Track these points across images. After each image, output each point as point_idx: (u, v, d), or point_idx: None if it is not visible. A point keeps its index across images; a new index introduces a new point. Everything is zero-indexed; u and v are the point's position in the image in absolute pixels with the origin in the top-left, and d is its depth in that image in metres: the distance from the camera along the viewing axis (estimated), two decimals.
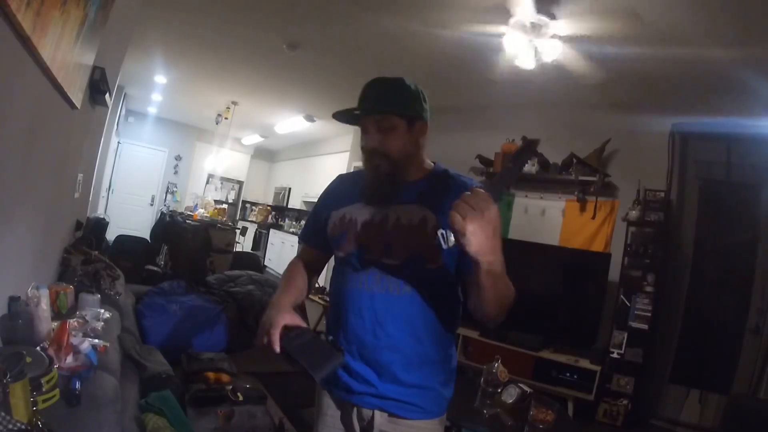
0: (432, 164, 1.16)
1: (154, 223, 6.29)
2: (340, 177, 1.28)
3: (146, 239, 5.16)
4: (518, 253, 4.06)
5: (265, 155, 9.93)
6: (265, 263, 8.04)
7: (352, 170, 4.72)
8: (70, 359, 1.19)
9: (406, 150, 1.06)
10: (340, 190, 1.20)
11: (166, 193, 8.67)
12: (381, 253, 1.06)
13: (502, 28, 2.88)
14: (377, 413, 1.07)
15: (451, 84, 4.23)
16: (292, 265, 1.24)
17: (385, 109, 1.05)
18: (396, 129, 1.05)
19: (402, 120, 1.04)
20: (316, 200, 1.28)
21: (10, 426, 0.80)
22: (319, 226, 1.20)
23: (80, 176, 2.42)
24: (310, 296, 3.72)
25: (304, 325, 1.02)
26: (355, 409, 1.10)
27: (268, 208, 9.50)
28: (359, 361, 1.07)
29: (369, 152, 1.07)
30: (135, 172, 8.24)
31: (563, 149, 3.98)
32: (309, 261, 1.25)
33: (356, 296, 1.07)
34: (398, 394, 1.05)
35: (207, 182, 9.16)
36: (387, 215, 1.07)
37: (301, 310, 3.83)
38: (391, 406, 1.06)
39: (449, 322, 1.11)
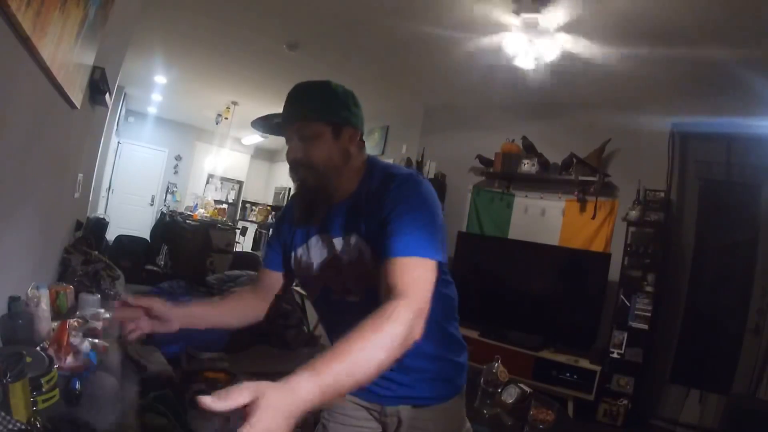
0: (364, 167, 1.02)
1: (154, 223, 6.28)
2: (291, 200, 1.15)
3: (146, 239, 5.15)
4: (518, 253, 4.07)
5: (265, 155, 9.93)
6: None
7: None
8: (70, 359, 1.19)
9: (333, 160, 0.96)
10: (288, 219, 1.11)
11: (166, 193, 8.66)
12: (343, 292, 1.01)
13: (502, 28, 2.88)
14: (402, 408, 1.07)
15: (451, 84, 4.23)
16: (228, 297, 1.17)
17: (306, 115, 0.95)
18: (320, 137, 0.95)
19: (327, 127, 0.95)
20: None
21: (10, 426, 0.80)
22: (275, 250, 1.13)
23: (80, 176, 2.42)
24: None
25: (138, 313, 0.95)
26: (379, 408, 1.10)
27: (268, 208, 9.49)
28: None
29: (292, 163, 0.98)
30: (135, 172, 8.24)
31: (563, 149, 3.98)
32: (263, 281, 1.16)
33: (339, 323, 1.04)
34: (416, 388, 1.05)
35: (207, 182, 9.15)
36: (334, 253, 1.01)
37: (301, 310, 3.82)
38: (413, 399, 1.05)
39: (439, 316, 1.04)
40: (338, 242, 1.00)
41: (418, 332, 0.78)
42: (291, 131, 0.97)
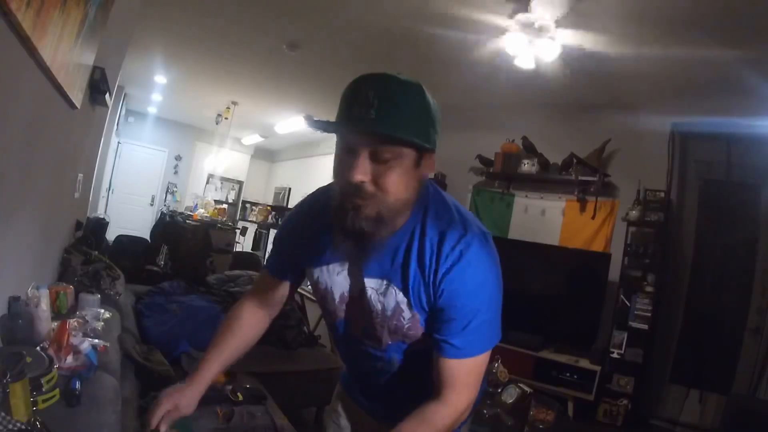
0: (416, 201, 0.81)
1: (154, 223, 6.27)
2: (301, 206, 0.99)
3: (146, 239, 5.14)
4: (518, 253, 4.06)
5: (265, 155, 9.93)
6: (265, 263, 8.03)
7: None
8: (70, 359, 1.19)
9: (408, 192, 0.77)
10: (307, 228, 0.93)
11: (166, 193, 8.66)
12: (362, 335, 0.92)
13: (502, 28, 2.88)
14: None
15: (451, 84, 4.22)
16: (230, 318, 1.03)
17: (395, 134, 0.70)
18: (402, 161, 0.73)
19: (411, 151, 0.74)
20: None
21: (10, 426, 0.80)
22: (285, 259, 1.00)
23: (80, 176, 2.42)
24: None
25: (190, 412, 0.92)
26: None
27: (268, 208, 9.48)
28: (369, 399, 1.06)
29: (354, 188, 0.73)
30: (135, 172, 8.24)
31: (563, 149, 3.98)
32: (271, 292, 1.03)
33: (351, 357, 1.03)
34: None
35: (207, 182, 9.15)
36: (363, 292, 0.86)
37: (301, 310, 3.81)
38: None
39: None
40: (372, 284, 0.85)
41: (459, 423, 0.86)
42: (361, 145, 0.72)
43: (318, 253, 0.90)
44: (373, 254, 0.81)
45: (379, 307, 0.85)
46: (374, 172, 0.73)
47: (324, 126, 0.75)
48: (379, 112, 0.70)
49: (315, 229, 0.90)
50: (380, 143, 0.72)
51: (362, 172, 0.72)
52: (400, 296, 0.83)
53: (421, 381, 0.86)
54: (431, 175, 0.94)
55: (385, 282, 0.84)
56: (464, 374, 0.83)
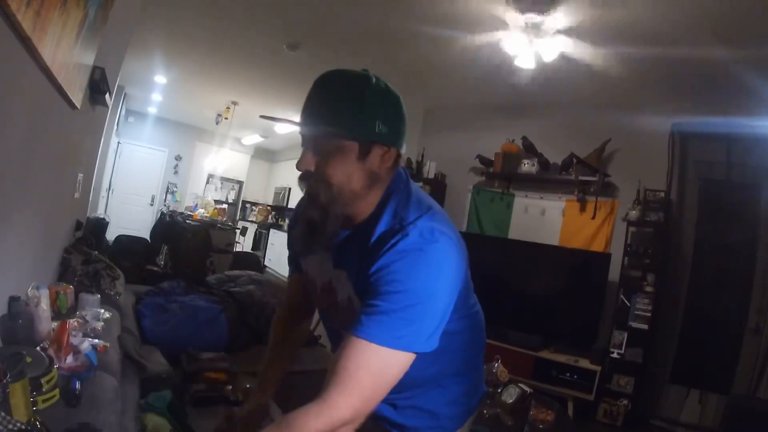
0: (381, 195, 0.83)
1: (154, 223, 6.28)
2: (298, 203, 1.02)
3: (146, 239, 5.15)
4: (518, 253, 4.07)
5: (265, 155, 9.93)
6: (265, 263, 8.03)
7: None
8: (70, 359, 1.19)
9: (354, 184, 0.79)
10: (298, 223, 0.99)
11: (166, 193, 8.66)
12: (339, 324, 0.94)
13: (502, 28, 2.88)
14: None
15: (451, 84, 4.23)
16: (279, 319, 1.14)
17: (324, 127, 0.76)
18: (341, 155, 0.77)
19: (352, 143, 0.77)
20: None
21: (10, 426, 0.80)
22: (293, 255, 1.08)
23: (80, 176, 2.42)
24: None
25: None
26: None
27: (268, 208, 9.50)
28: None
29: (303, 177, 0.82)
30: (135, 172, 8.24)
31: (563, 149, 3.98)
32: (301, 288, 1.08)
33: (335, 344, 1.02)
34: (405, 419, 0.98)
35: (207, 182, 9.15)
36: (332, 282, 0.90)
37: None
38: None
39: (442, 366, 0.94)
40: (337, 274, 0.89)
41: None
42: (306, 139, 0.80)
43: (303, 247, 0.95)
44: (337, 246, 0.86)
45: (340, 296, 0.88)
46: (318, 164, 0.78)
47: (283, 121, 0.87)
48: (312, 109, 0.77)
49: (300, 226, 0.96)
50: (317, 138, 0.78)
51: (303, 163, 0.79)
52: (350, 286, 0.85)
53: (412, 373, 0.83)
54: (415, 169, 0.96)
55: (344, 272, 0.87)
56: (354, 361, 0.73)
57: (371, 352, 0.73)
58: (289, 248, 1.08)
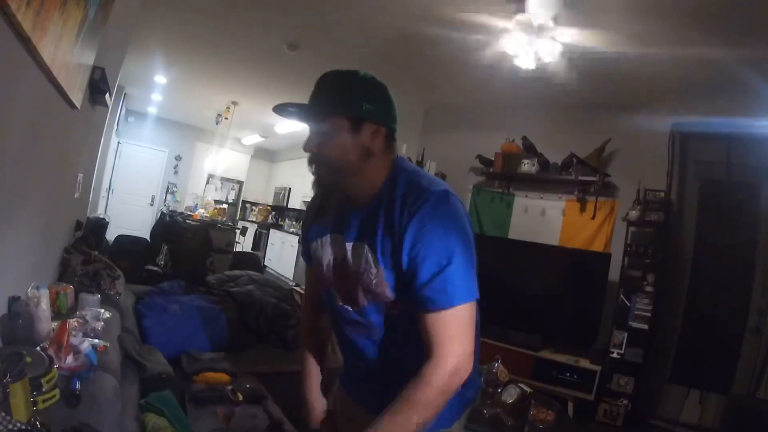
0: (389, 173, 0.95)
1: (154, 223, 6.28)
2: (312, 199, 1.16)
3: (146, 239, 5.16)
4: (518, 253, 4.07)
5: (265, 155, 9.93)
6: (265, 263, 8.03)
7: None
8: (70, 359, 1.19)
9: (349, 158, 0.90)
10: (318, 207, 1.08)
11: (166, 193, 8.66)
12: (344, 299, 1.00)
13: (502, 28, 2.88)
14: None
15: (451, 84, 4.23)
16: (306, 322, 1.23)
17: (320, 108, 0.90)
18: (336, 132, 0.89)
19: (344, 121, 0.89)
20: None
21: (10, 426, 0.80)
22: (305, 247, 1.13)
23: (80, 176, 2.42)
24: None
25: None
26: None
27: (268, 208, 9.50)
28: (364, 382, 1.07)
29: (308, 158, 0.94)
30: (135, 172, 8.24)
31: (563, 149, 3.98)
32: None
33: (340, 328, 1.06)
34: None
35: (207, 182, 9.15)
36: (345, 256, 0.97)
37: (300, 309, 3.79)
38: None
39: None
40: (350, 247, 0.96)
41: (458, 382, 0.85)
42: (310, 125, 0.95)
43: (313, 232, 1.06)
44: (352, 221, 0.95)
45: (354, 267, 0.95)
46: (319, 143, 0.91)
47: (284, 112, 0.93)
48: (310, 100, 0.92)
49: (312, 213, 1.09)
50: (315, 121, 0.92)
51: (307, 144, 0.93)
52: (369, 252, 0.92)
53: (407, 357, 0.89)
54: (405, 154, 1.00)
55: (358, 243, 0.94)
56: (444, 327, 0.84)
57: (457, 314, 0.84)
58: (301, 241, 1.17)
